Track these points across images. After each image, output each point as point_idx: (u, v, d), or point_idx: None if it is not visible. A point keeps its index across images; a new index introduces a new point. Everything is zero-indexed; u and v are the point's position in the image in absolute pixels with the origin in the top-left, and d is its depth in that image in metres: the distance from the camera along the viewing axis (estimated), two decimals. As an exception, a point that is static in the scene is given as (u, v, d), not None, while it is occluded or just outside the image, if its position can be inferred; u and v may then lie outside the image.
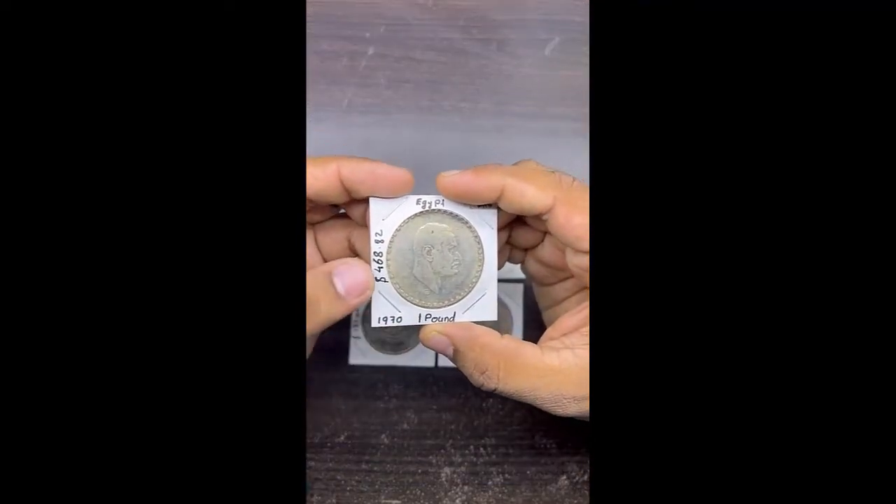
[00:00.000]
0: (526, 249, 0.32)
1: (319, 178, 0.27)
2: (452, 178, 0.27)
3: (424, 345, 0.29)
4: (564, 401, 0.27)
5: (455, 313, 0.29)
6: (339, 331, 0.40)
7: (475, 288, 0.29)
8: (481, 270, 0.29)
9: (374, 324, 0.29)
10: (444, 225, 0.29)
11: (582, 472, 0.36)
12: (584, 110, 0.41)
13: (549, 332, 0.30)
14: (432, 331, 0.29)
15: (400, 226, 0.28)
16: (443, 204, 0.28)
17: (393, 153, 0.42)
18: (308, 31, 0.41)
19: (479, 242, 0.29)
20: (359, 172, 0.27)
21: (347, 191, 0.28)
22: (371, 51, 0.41)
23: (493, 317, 0.29)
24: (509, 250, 0.33)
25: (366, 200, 0.28)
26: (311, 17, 0.41)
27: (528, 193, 0.27)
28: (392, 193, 0.28)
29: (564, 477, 0.36)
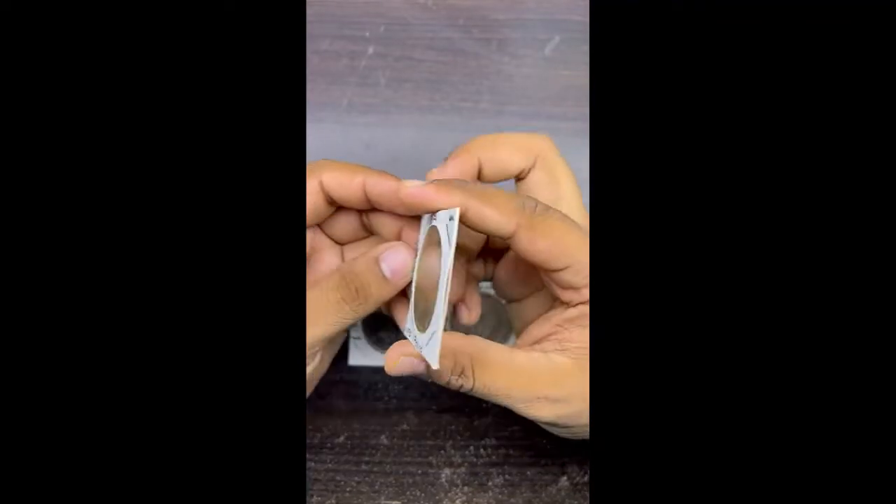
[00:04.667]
0: (496, 255, 0.32)
1: (346, 185, 0.28)
2: (413, 190, 0.27)
3: (393, 372, 0.27)
4: (537, 401, 0.27)
5: (420, 343, 0.27)
6: (339, 331, 0.40)
7: (431, 321, 0.25)
8: (435, 298, 0.25)
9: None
10: (434, 241, 0.27)
11: (582, 472, 0.36)
12: (584, 110, 0.41)
13: (518, 341, 0.30)
14: (397, 356, 0.27)
15: (423, 243, 0.28)
16: (436, 219, 0.26)
17: (393, 153, 0.42)
18: (308, 31, 0.41)
19: (441, 263, 0.25)
20: (381, 188, 0.28)
21: (369, 202, 0.29)
22: (371, 50, 0.41)
23: (435, 365, 0.24)
24: (483, 266, 0.33)
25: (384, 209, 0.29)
26: (311, 17, 0.41)
27: (489, 218, 0.26)
28: (411, 212, 0.28)
29: (565, 478, 0.36)
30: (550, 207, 0.27)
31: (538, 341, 0.29)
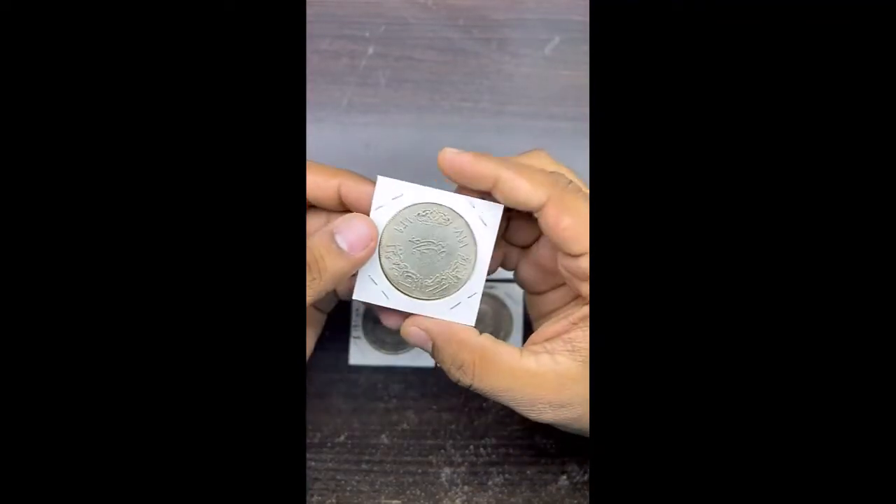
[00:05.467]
0: (522, 248, 0.32)
1: (321, 187, 0.29)
2: (452, 155, 0.28)
3: (404, 337, 0.29)
4: (540, 405, 0.28)
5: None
6: (340, 331, 0.40)
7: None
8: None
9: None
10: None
11: (582, 472, 0.36)
12: (584, 110, 0.41)
13: (532, 336, 0.30)
14: (410, 325, 0.29)
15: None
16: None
17: (393, 153, 0.42)
18: (308, 31, 0.41)
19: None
20: (357, 192, 0.29)
21: (344, 204, 0.29)
22: (371, 50, 0.41)
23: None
24: (503, 254, 0.32)
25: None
26: (311, 17, 0.41)
27: (521, 188, 0.27)
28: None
29: (565, 477, 0.36)
30: (582, 189, 0.28)
31: (549, 339, 0.29)
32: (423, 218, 0.29)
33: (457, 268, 0.29)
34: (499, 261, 0.32)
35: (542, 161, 0.30)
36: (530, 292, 0.33)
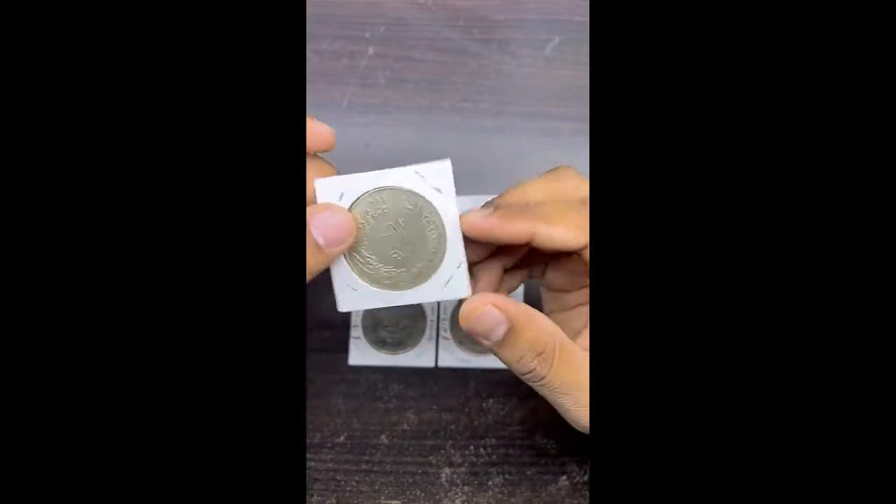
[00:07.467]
0: (547, 262, 0.31)
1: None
2: (478, 219, 0.26)
3: (466, 322, 0.26)
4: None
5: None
6: (340, 331, 0.40)
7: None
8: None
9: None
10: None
11: (582, 472, 0.36)
12: (584, 110, 0.41)
13: (581, 341, 0.28)
14: (486, 303, 0.25)
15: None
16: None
17: (393, 153, 0.42)
18: (308, 31, 0.41)
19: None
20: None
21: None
22: (371, 51, 0.41)
23: (469, 293, 0.27)
24: (527, 272, 0.32)
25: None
26: (311, 17, 0.41)
27: (559, 238, 0.26)
28: (315, 150, 0.27)
29: (564, 477, 0.36)
30: None
31: (578, 333, 0.28)
32: (377, 207, 0.27)
33: (431, 244, 0.27)
34: (511, 289, 0.32)
35: (571, 181, 0.28)
36: (551, 290, 0.32)
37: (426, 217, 0.27)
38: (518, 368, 0.26)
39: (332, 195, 0.27)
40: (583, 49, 0.41)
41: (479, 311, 0.25)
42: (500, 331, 0.25)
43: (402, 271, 0.27)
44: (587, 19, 0.41)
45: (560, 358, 0.26)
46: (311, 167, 0.27)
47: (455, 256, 0.27)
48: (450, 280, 0.27)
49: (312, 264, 0.25)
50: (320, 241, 0.25)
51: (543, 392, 0.27)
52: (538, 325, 0.26)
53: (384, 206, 0.27)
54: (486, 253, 0.30)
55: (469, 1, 0.41)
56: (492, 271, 0.30)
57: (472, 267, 0.29)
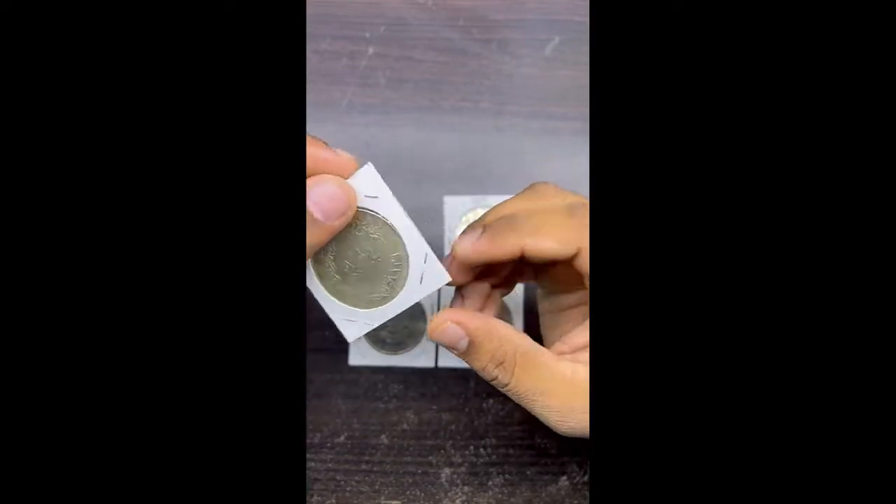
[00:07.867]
0: (536, 273, 0.32)
1: None
2: (469, 246, 0.27)
3: (433, 338, 0.27)
4: (572, 413, 0.27)
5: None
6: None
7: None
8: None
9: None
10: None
11: (582, 472, 0.36)
12: (584, 110, 0.41)
13: (557, 345, 0.29)
14: (445, 320, 0.27)
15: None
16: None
17: (393, 153, 0.42)
18: (308, 31, 0.41)
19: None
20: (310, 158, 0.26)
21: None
22: (371, 51, 0.41)
23: (447, 277, 0.27)
24: (514, 285, 0.32)
25: None
26: (311, 17, 0.41)
27: (548, 248, 0.26)
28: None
29: (565, 477, 0.36)
30: None
31: (579, 349, 0.28)
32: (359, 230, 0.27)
33: (390, 250, 0.27)
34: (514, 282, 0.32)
35: (551, 193, 0.29)
36: (546, 291, 0.32)
37: (375, 225, 0.26)
38: (484, 375, 0.27)
39: (367, 187, 0.26)
40: (583, 49, 0.41)
41: (443, 327, 0.27)
42: (463, 344, 0.27)
43: (382, 286, 0.27)
44: (587, 19, 0.41)
45: (521, 366, 0.27)
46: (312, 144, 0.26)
47: (418, 251, 0.26)
48: (424, 274, 0.27)
49: (313, 240, 0.25)
50: (318, 215, 0.24)
51: (513, 398, 0.28)
52: (498, 336, 0.27)
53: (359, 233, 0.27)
54: (473, 275, 0.30)
55: (469, 1, 0.41)
56: (477, 292, 0.30)
57: (460, 289, 0.30)
